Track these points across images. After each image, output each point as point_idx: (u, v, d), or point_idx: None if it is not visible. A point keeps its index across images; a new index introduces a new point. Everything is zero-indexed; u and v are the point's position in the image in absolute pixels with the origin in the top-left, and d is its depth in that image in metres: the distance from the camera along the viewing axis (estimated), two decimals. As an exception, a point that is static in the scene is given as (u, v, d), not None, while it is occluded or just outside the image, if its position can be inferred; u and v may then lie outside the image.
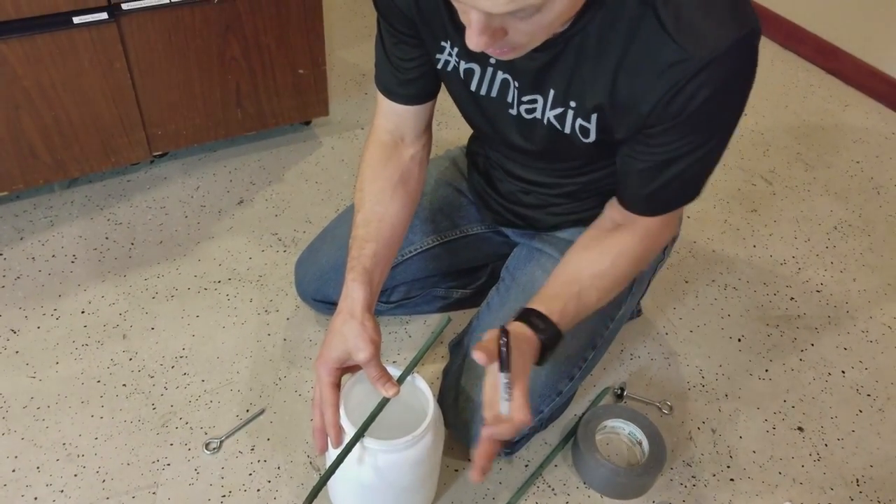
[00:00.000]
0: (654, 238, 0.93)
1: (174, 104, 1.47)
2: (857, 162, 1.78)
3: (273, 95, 1.57)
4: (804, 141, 1.84)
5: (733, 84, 0.76)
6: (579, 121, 0.86)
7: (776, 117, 1.91)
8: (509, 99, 0.90)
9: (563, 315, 0.87)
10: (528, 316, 0.86)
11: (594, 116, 0.84)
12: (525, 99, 0.89)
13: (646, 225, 0.91)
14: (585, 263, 0.92)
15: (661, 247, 0.96)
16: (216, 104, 1.52)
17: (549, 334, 0.85)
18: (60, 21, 1.25)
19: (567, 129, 0.88)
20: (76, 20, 1.26)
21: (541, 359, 0.86)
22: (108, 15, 1.29)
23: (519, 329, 0.85)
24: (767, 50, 2.19)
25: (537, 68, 0.83)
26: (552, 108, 0.87)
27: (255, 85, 1.53)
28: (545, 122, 0.89)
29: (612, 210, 0.94)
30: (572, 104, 0.85)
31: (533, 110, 0.89)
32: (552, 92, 0.86)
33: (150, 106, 1.45)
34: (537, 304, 0.88)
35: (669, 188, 0.86)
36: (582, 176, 1.02)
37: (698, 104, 0.76)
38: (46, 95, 1.32)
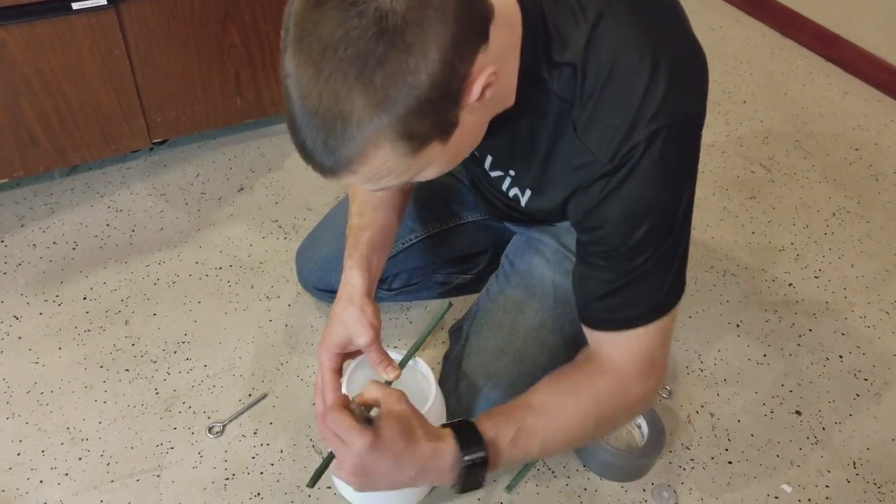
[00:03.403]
0: (625, 384, 0.84)
1: (173, 91, 1.47)
2: (856, 149, 1.79)
3: (272, 83, 1.56)
4: (803, 128, 1.84)
5: (644, 184, 0.72)
6: (515, 189, 0.89)
7: (775, 105, 1.91)
8: None
9: (499, 435, 0.80)
10: (462, 430, 0.80)
11: (528, 191, 0.87)
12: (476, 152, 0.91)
13: (614, 365, 0.84)
14: (541, 385, 0.85)
15: (636, 400, 0.85)
16: (215, 92, 1.51)
17: (474, 453, 0.78)
18: (60, 7, 1.25)
19: (511, 194, 0.91)
20: (75, 6, 1.26)
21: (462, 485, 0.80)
22: (108, 1, 1.28)
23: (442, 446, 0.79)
24: (767, 39, 2.19)
25: None
26: (492, 169, 0.91)
27: (254, 72, 1.53)
28: (492, 175, 0.93)
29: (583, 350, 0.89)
30: (511, 173, 0.88)
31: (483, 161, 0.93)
32: (490, 158, 0.89)
33: (149, 93, 1.44)
34: (480, 419, 0.82)
35: (606, 290, 0.80)
36: None
37: (610, 206, 0.74)
38: (46, 82, 1.31)
